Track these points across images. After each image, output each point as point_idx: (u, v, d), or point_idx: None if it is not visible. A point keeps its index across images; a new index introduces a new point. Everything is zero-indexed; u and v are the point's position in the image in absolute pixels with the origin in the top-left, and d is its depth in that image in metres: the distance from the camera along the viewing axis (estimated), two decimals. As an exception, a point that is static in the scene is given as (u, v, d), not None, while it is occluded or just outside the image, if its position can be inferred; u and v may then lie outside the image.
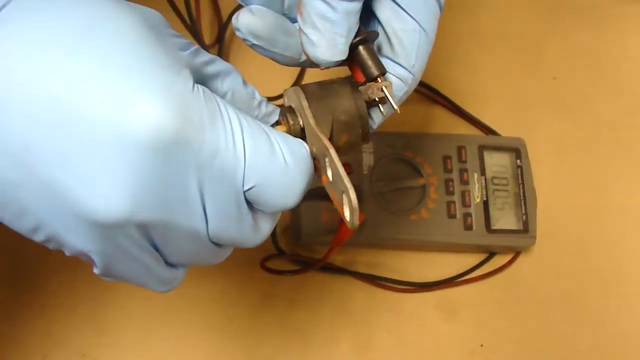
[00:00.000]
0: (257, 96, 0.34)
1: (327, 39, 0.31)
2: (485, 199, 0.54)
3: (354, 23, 0.31)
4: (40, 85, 0.24)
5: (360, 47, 0.32)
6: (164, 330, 0.50)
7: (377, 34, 0.33)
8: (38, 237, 0.27)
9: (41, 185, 0.25)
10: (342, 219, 0.30)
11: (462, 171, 0.54)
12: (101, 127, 0.24)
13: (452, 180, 0.54)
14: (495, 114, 0.59)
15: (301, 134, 0.32)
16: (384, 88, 0.33)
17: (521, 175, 0.55)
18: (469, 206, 0.53)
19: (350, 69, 0.34)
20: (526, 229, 0.54)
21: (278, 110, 0.35)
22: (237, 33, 0.33)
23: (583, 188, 0.58)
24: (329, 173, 0.30)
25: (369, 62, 0.32)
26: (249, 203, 0.29)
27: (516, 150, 0.56)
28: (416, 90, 0.46)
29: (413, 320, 0.53)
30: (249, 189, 0.28)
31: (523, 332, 0.54)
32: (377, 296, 0.53)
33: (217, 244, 0.30)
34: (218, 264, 0.33)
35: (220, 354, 0.50)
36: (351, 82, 0.33)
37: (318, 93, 0.32)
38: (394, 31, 0.33)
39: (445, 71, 0.60)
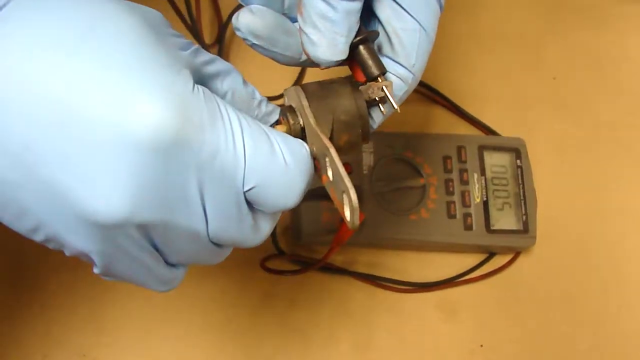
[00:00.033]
0: (257, 96, 0.34)
1: (327, 38, 0.31)
2: (485, 199, 0.54)
3: (354, 22, 0.32)
4: (40, 85, 0.24)
5: (361, 47, 0.32)
6: (164, 330, 0.50)
7: (377, 34, 0.33)
8: (38, 237, 0.27)
9: (41, 185, 0.25)
10: (342, 219, 0.30)
11: (462, 171, 0.54)
12: (102, 127, 0.24)
13: (452, 180, 0.53)
14: (495, 114, 0.59)
15: (301, 134, 0.32)
16: (384, 87, 0.33)
17: (521, 176, 0.55)
18: (469, 206, 0.53)
19: (351, 69, 0.34)
20: (526, 229, 0.54)
21: (278, 109, 0.35)
22: (237, 33, 0.33)
23: (583, 188, 0.58)
24: (330, 173, 0.30)
25: (370, 62, 0.32)
26: (249, 203, 0.29)
27: (516, 151, 0.56)
28: (416, 90, 0.46)
29: (413, 321, 0.53)
30: (249, 190, 0.28)
31: (523, 332, 0.54)
32: (377, 296, 0.53)
33: (217, 244, 0.30)
34: (218, 264, 0.33)
35: (220, 354, 0.50)
36: (351, 82, 0.33)
37: (318, 92, 0.32)
38: (394, 30, 0.33)
39: (445, 71, 0.60)
